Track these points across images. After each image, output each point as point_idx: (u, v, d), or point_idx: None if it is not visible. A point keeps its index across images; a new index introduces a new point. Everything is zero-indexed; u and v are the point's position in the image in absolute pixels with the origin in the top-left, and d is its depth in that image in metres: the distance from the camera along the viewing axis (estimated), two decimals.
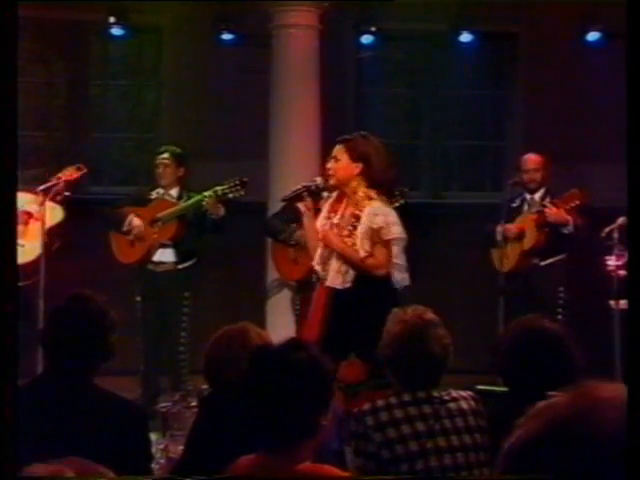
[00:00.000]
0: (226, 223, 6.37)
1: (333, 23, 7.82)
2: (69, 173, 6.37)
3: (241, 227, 7.13)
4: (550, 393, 1.31)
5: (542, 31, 8.54)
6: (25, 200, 6.13)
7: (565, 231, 6.45)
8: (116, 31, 8.34)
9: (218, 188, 6.25)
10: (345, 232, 4.82)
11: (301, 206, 5.04)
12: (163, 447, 3.89)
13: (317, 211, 5.11)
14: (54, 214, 6.26)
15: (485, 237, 6.74)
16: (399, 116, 9.51)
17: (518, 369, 3.08)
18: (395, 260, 4.76)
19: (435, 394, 3.05)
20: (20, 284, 4.79)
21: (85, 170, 6.49)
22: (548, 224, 6.49)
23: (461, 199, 8.95)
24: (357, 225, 4.78)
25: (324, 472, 2.28)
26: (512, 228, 6.58)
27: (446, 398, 3.06)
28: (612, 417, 1.08)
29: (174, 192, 6.64)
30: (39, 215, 6.13)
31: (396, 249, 4.77)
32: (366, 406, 3.05)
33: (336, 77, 8.17)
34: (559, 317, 6.35)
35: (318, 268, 4.92)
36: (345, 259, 4.80)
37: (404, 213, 5.06)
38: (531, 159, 6.80)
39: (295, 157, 7.33)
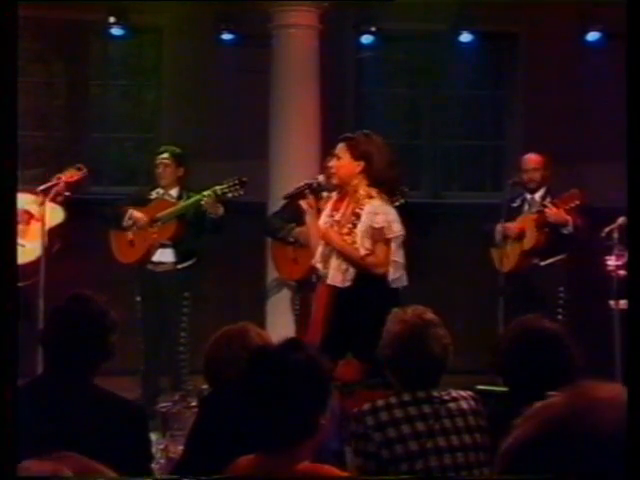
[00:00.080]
0: (225, 223, 6.37)
1: (333, 23, 7.82)
2: (70, 174, 6.37)
3: (241, 227, 7.14)
4: (550, 393, 1.31)
5: (542, 31, 8.54)
6: (25, 200, 6.13)
7: (565, 231, 6.45)
8: (116, 31, 8.34)
9: (217, 188, 6.25)
10: (345, 230, 4.84)
11: (303, 203, 5.05)
12: (163, 447, 3.89)
13: (317, 211, 5.12)
14: (55, 215, 6.26)
15: (484, 236, 6.75)
16: (399, 116, 9.51)
17: (518, 369, 3.08)
18: (393, 257, 4.78)
19: (435, 394, 3.05)
20: (20, 284, 4.79)
21: (85, 172, 6.50)
22: (548, 224, 6.49)
23: (461, 199, 8.95)
24: (357, 223, 4.80)
25: (323, 472, 2.28)
26: (513, 227, 6.58)
27: (446, 398, 3.06)
28: (609, 417, 1.08)
29: (174, 192, 6.64)
30: (40, 216, 6.13)
31: (394, 246, 4.79)
32: (366, 406, 3.05)
33: (336, 77, 8.17)
34: (559, 317, 6.35)
35: (319, 266, 4.93)
36: (345, 257, 4.81)
37: (405, 213, 5.07)
38: (531, 159, 6.80)
39: (295, 157, 7.33)
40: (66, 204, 6.36)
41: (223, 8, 8.26)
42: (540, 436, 1.10)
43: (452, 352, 3.09)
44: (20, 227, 5.98)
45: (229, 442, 2.59)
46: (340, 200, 4.97)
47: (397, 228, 4.81)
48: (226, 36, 8.39)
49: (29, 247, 6.04)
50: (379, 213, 4.78)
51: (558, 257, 6.64)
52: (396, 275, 4.78)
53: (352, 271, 4.80)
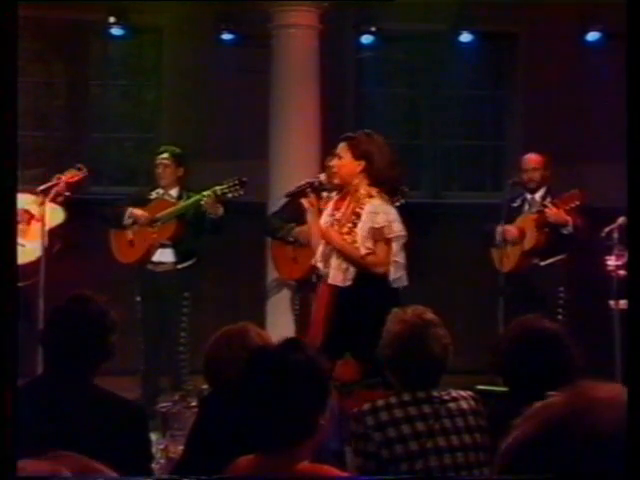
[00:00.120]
0: (225, 223, 6.37)
1: (333, 23, 7.82)
2: (70, 175, 6.38)
3: (241, 227, 7.14)
4: (550, 393, 1.31)
5: (542, 31, 8.54)
6: (25, 200, 6.14)
7: (565, 231, 6.45)
8: (116, 31, 8.35)
9: (217, 188, 6.25)
10: (345, 229, 4.84)
11: (305, 202, 5.05)
12: (163, 447, 3.89)
13: (319, 211, 5.11)
14: (55, 215, 6.26)
15: (484, 236, 6.75)
16: (399, 116, 9.51)
17: (518, 369, 3.08)
18: (394, 258, 4.78)
19: (435, 394, 3.05)
20: (20, 284, 4.79)
21: (86, 172, 6.50)
22: (548, 224, 6.49)
23: (461, 199, 8.95)
24: (357, 222, 4.80)
25: (323, 472, 2.29)
26: (512, 231, 6.57)
27: (446, 398, 3.06)
28: (608, 417, 1.08)
29: (174, 192, 6.64)
30: (40, 216, 6.13)
31: (396, 246, 4.79)
32: (366, 406, 3.05)
33: (336, 77, 8.17)
34: (559, 317, 6.35)
35: (320, 265, 4.93)
36: (345, 256, 4.81)
37: (405, 213, 5.07)
38: (531, 159, 6.80)
39: (295, 157, 7.33)
40: (66, 204, 6.37)
41: (223, 8, 8.27)
42: (540, 436, 1.10)
43: (452, 352, 3.10)
44: (20, 227, 5.98)
45: (229, 442, 2.58)
46: (342, 199, 4.97)
47: (398, 228, 4.81)
48: (226, 36, 8.40)
49: (29, 247, 6.04)
50: (379, 213, 4.78)
51: (558, 257, 6.63)
52: (397, 275, 4.79)
53: (353, 270, 4.80)
